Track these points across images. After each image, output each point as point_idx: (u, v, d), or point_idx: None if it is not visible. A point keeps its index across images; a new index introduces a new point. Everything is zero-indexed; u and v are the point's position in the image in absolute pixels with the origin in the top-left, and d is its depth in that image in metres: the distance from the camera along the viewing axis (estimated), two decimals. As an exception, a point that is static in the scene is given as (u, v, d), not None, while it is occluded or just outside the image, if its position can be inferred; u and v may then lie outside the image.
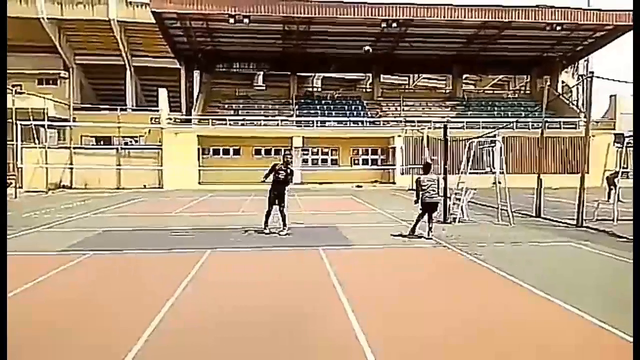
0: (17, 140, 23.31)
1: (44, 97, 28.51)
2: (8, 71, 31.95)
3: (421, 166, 11.64)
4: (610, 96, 31.68)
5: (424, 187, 9.97)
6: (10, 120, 23.29)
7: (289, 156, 11.43)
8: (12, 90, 23.11)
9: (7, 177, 22.53)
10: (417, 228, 10.20)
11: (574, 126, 31.03)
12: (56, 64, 39.43)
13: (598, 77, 12.34)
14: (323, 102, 35.79)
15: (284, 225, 10.59)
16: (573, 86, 41.22)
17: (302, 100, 35.35)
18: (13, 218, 13.09)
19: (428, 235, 9.90)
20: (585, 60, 40.57)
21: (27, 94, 28.00)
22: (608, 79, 12.31)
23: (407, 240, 9.90)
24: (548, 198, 15.01)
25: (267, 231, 10.59)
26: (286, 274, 7.17)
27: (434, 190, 10.05)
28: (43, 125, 25.89)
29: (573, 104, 36.05)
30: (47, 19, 36.34)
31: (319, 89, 42.32)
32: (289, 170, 10.70)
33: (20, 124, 23.44)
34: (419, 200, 10.08)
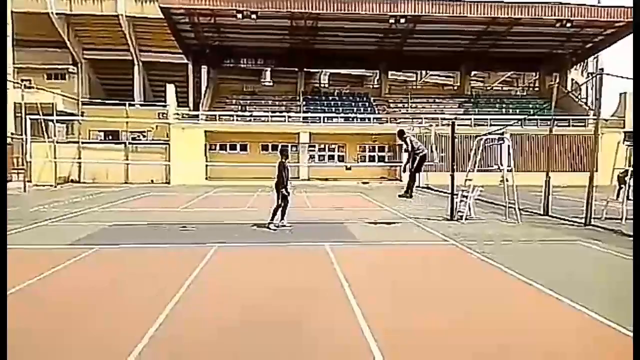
0: (26, 135, 23.46)
1: (52, 92, 28.68)
2: (17, 66, 32.33)
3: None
4: (620, 94, 31.39)
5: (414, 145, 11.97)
6: (19, 115, 23.45)
7: (285, 150, 11.29)
8: (21, 84, 23.23)
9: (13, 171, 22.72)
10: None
11: (583, 124, 30.76)
12: (65, 58, 39.74)
13: (608, 74, 12.20)
14: (330, 98, 35.73)
15: (277, 217, 10.64)
16: (582, 84, 40.88)
17: (309, 96, 35.33)
18: (22, 212, 13.20)
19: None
20: (595, 58, 40.21)
21: (36, 89, 28.17)
22: (618, 77, 12.17)
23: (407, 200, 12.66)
24: (556, 196, 14.91)
25: (284, 224, 10.72)
26: (292, 270, 7.18)
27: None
28: (52, 120, 26.04)
29: (582, 102, 35.74)
30: (56, 14, 36.58)
31: (326, 85, 42.30)
32: (280, 165, 10.76)
33: (29, 119, 23.58)
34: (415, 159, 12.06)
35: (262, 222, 11.20)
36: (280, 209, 10.74)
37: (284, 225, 10.66)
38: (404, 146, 12.46)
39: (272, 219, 10.71)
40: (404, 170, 12.69)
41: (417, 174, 12.42)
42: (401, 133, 12.65)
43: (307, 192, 20.94)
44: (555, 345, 4.32)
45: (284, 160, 10.74)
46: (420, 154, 12.28)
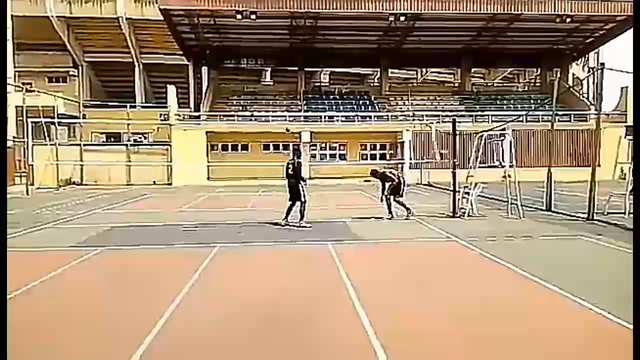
0: (28, 138, 23.52)
1: (54, 95, 28.74)
2: (18, 69, 32.36)
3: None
4: (622, 88, 31.30)
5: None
6: (21, 118, 23.53)
7: (296, 149, 11.85)
8: (22, 88, 23.27)
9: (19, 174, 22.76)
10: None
11: (584, 119, 30.71)
12: (66, 61, 39.80)
13: (609, 69, 12.17)
14: (331, 97, 35.71)
15: (301, 217, 10.73)
16: (583, 78, 40.78)
17: (310, 96, 35.30)
18: (24, 214, 13.24)
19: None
20: (595, 52, 40.08)
21: (37, 92, 28.25)
22: (619, 71, 12.15)
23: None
24: (559, 192, 14.89)
25: (282, 223, 10.83)
26: (295, 270, 7.18)
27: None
28: (53, 123, 26.11)
29: (584, 97, 35.66)
30: (57, 17, 36.61)
31: (327, 84, 42.27)
32: (295, 163, 10.89)
33: (31, 122, 23.64)
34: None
35: (264, 222, 11.21)
36: (302, 207, 10.82)
37: (304, 225, 10.70)
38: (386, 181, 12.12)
39: (302, 218, 10.79)
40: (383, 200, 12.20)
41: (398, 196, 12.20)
42: (374, 172, 12.58)
43: (308, 190, 20.93)
44: (565, 346, 4.30)
45: (298, 159, 11.03)
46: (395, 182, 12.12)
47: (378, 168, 13.10)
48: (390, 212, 12.02)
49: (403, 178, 12.51)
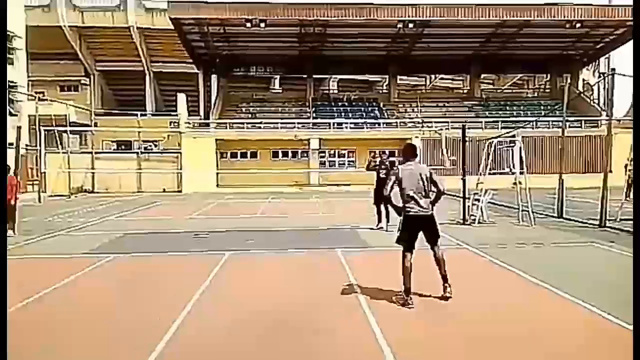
0: (40, 146, 23.80)
1: (66, 103, 29.10)
2: (31, 79, 32.84)
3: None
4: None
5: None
6: (33, 127, 23.83)
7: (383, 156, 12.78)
8: (35, 96, 23.56)
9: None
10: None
11: (595, 125, 30.45)
12: (77, 70, 40.39)
13: (620, 74, 12.10)
14: (339, 104, 35.79)
15: (387, 220, 11.00)
16: (594, 84, 40.47)
17: (319, 103, 35.41)
18: (37, 222, 13.38)
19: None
20: (606, 58, 39.84)
21: (49, 101, 28.60)
22: (630, 76, 12.04)
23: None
24: (570, 198, 14.77)
25: (379, 227, 11.27)
26: (305, 276, 7.17)
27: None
28: (65, 131, 26.40)
29: (594, 102, 35.39)
30: (69, 26, 37.17)
31: (336, 91, 42.38)
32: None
33: (44, 130, 23.94)
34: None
35: (274, 229, 11.22)
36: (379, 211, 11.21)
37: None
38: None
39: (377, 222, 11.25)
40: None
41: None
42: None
43: (317, 197, 21.01)
44: (580, 355, 4.27)
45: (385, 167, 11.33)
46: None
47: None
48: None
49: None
